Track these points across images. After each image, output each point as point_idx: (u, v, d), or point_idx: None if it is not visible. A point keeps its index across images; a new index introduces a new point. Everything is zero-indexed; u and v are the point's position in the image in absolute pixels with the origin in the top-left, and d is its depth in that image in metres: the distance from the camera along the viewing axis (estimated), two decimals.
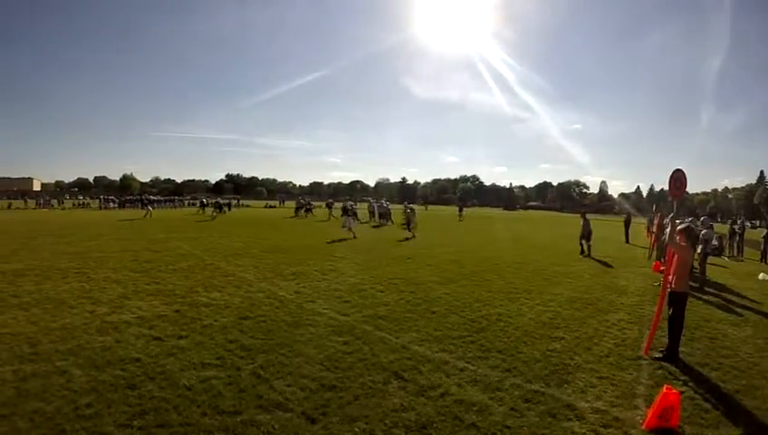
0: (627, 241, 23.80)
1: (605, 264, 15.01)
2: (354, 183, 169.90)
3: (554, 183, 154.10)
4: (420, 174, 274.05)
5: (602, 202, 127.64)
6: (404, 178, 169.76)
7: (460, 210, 45.35)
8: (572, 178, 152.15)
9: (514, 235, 27.73)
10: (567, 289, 10.13)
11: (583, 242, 17.11)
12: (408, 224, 21.50)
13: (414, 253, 14.99)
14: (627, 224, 25.14)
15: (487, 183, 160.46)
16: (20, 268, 10.51)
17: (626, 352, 6.05)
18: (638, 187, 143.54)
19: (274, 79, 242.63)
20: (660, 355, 5.89)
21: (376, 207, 33.20)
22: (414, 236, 20.50)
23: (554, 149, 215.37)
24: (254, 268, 11.44)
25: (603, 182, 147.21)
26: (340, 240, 18.46)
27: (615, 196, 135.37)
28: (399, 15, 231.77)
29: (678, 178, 6.15)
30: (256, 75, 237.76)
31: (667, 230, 9.25)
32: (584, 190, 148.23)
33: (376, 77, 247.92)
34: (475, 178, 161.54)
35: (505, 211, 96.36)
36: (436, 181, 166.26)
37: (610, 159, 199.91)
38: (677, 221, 6.49)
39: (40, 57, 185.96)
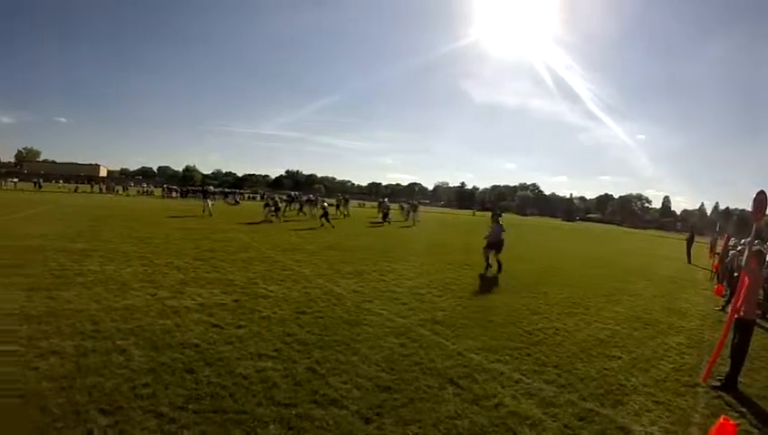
0: (689, 261, 25.37)
1: (666, 284, 15.51)
2: (412, 185, 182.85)
3: (615, 196, 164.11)
4: (478, 179, 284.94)
5: (665, 218, 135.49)
6: (462, 183, 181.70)
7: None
8: (634, 192, 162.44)
9: (573, 247, 30.11)
10: (626, 307, 10.73)
11: (489, 254, 14.18)
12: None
13: (472, 260, 15.80)
14: (689, 243, 27.03)
15: (547, 192, 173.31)
16: (85, 249, 12.24)
17: (683, 378, 6.33)
18: (702, 204, 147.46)
19: (335, 79, 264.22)
20: (719, 384, 6.12)
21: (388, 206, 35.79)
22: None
23: (616, 161, 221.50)
24: (312, 264, 12.61)
25: (666, 197, 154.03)
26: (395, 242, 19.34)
27: (678, 212, 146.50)
28: (460, 19, 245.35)
29: (761, 200, 6.46)
30: (317, 75, 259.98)
31: (732, 252, 10.58)
32: (646, 205, 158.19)
33: (435, 80, 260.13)
34: (534, 186, 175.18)
35: (564, 222, 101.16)
36: (494, 187, 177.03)
37: (674, 172, 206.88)
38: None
39: (111, 53, 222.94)
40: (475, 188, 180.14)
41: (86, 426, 3.89)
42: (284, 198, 37.37)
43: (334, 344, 6.29)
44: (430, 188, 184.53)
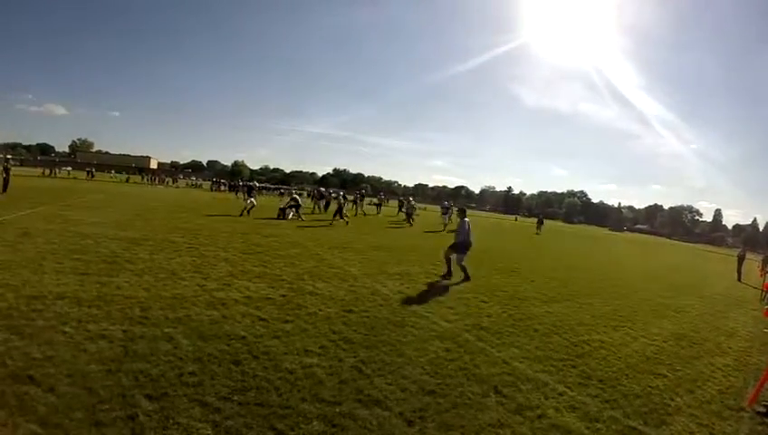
0: (739, 279, 25.16)
1: (714, 302, 15.19)
2: (459, 188, 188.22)
3: (665, 206, 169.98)
4: (526, 185, 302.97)
5: (715, 233, 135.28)
6: (509, 188, 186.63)
7: (540, 223, 47.56)
8: (685, 203, 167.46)
9: (620, 258, 30.42)
10: (673, 324, 10.72)
11: (452, 256, 12.56)
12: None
13: (518, 266, 16.37)
14: (740, 260, 26.82)
15: (595, 200, 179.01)
16: (136, 237, 12.94)
17: (729, 401, 6.29)
18: (755, 219, 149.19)
19: (384, 79, 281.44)
20: (765, 409, 6.08)
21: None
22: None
23: (667, 170, 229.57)
24: (359, 263, 12.98)
25: (718, 211, 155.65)
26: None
27: (729, 226, 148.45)
28: (511, 21, 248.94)
29: None
30: (367, 75, 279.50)
31: None
32: (696, 217, 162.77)
33: (485, 83, 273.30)
34: (582, 193, 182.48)
35: (612, 232, 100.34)
36: (542, 194, 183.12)
37: (727, 185, 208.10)
38: None
39: (165, 50, 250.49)
40: (522, 194, 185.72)
41: (132, 410, 4.10)
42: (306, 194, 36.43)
43: (380, 345, 6.45)
44: (477, 191, 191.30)
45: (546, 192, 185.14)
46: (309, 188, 37.95)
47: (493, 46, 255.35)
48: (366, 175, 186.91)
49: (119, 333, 5.80)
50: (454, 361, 6.18)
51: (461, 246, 12.34)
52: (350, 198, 34.88)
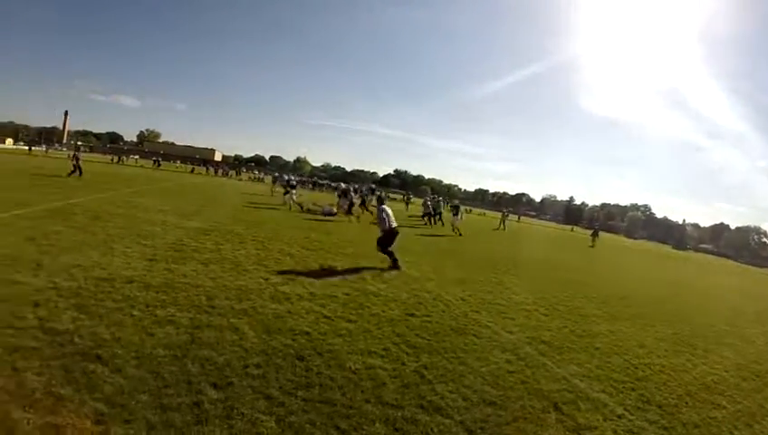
0: None
1: None
2: (519, 196, 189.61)
3: (732, 226, 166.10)
4: (588, 195, 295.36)
5: None
6: (571, 198, 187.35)
7: (595, 235, 46.63)
8: (752, 224, 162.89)
9: (684, 279, 29.10)
10: (735, 353, 10.29)
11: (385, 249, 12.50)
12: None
13: (578, 280, 16.13)
14: None
15: (658, 215, 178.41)
16: (202, 227, 13.66)
17: None
18: None
19: (446, 83, 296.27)
20: None
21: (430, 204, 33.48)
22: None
23: (735, 187, 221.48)
24: (421, 267, 13.07)
25: None
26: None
27: None
28: (576, 29, 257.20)
29: None
30: (426, 78, 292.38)
31: None
32: (764, 240, 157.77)
33: (548, 89, 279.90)
34: (646, 207, 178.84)
35: (674, 250, 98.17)
36: (604, 205, 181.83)
37: None
38: None
39: (232, 48, 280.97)
40: (584, 205, 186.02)
41: (197, 396, 4.27)
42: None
43: (442, 351, 6.51)
44: (538, 199, 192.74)
45: (609, 204, 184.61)
46: (334, 185, 37.53)
47: (556, 52, 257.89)
48: (426, 177, 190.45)
49: (185, 320, 6.07)
50: (515, 373, 6.20)
51: (387, 236, 12.44)
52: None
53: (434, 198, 37.95)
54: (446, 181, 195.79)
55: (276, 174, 33.13)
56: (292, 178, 32.20)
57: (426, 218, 31.41)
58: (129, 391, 4.20)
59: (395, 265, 12.06)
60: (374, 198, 28.77)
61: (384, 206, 12.87)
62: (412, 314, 8.05)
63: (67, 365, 4.53)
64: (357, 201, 27.39)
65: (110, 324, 5.61)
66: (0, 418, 3.60)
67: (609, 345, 8.52)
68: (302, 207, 25.19)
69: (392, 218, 12.56)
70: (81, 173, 26.11)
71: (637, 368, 7.55)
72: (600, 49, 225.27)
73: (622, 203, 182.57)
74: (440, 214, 32.22)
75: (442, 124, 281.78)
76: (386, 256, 12.37)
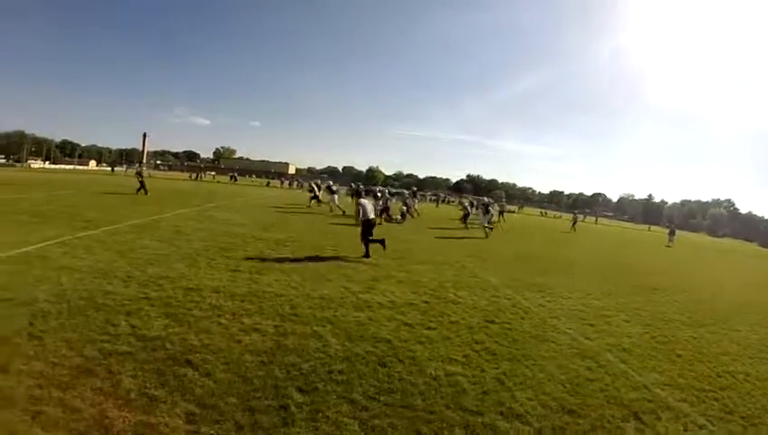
0: None
1: None
2: (596, 196, 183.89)
3: None
4: (667, 192, 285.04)
5: None
6: (649, 196, 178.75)
7: (671, 234, 44.97)
8: None
9: None
10: None
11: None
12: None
13: (658, 283, 15.42)
14: None
15: (743, 210, 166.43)
16: (280, 238, 14.23)
17: None
18: None
19: (512, 82, 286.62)
20: None
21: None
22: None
23: None
24: (500, 273, 13.06)
25: None
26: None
27: None
28: (644, 18, 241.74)
29: None
30: (493, 79, 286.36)
31: None
32: None
33: (619, 83, 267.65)
34: (729, 202, 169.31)
35: (762, 248, 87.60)
36: (684, 203, 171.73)
37: None
38: None
39: (299, 64, 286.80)
40: (662, 202, 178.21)
41: (283, 400, 4.46)
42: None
43: (522, 358, 6.49)
44: (615, 199, 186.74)
45: (689, 201, 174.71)
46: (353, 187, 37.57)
47: (627, 47, 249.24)
48: (500, 181, 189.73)
49: (270, 328, 6.37)
50: (594, 381, 6.10)
51: (366, 226, 13.40)
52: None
53: (481, 201, 37.56)
54: (520, 184, 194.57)
55: (318, 181, 33.44)
56: (333, 184, 32.76)
57: (463, 220, 30.70)
58: (218, 393, 4.46)
59: (367, 253, 13.01)
60: (416, 201, 29.30)
61: (362, 199, 14.41)
62: (491, 321, 8.06)
63: (160, 369, 4.87)
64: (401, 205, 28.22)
65: (198, 331, 5.97)
66: (97, 416, 3.91)
67: (692, 352, 8.24)
68: (344, 212, 25.85)
69: (368, 210, 13.59)
70: (146, 191, 27.60)
71: (720, 376, 7.27)
72: (673, 40, 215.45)
73: (704, 199, 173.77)
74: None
75: (516, 127, 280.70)
76: (370, 245, 13.29)
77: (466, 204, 33.50)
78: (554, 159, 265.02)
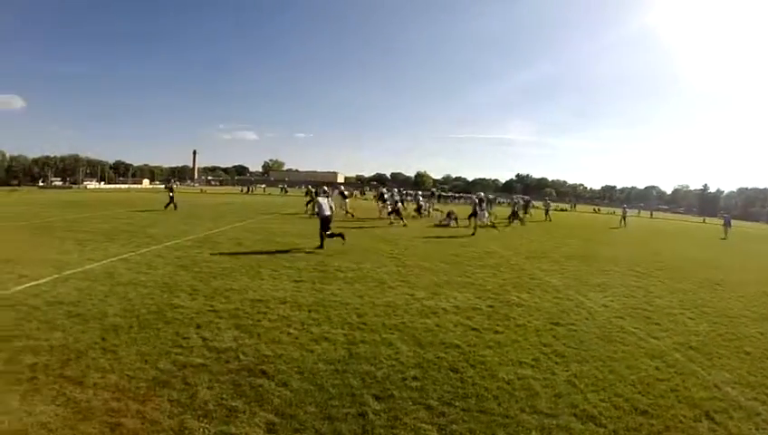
0: None
1: None
2: (649, 189, 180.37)
3: None
4: (724, 181, 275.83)
5: None
6: (705, 186, 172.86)
7: (726, 225, 41.87)
8: None
9: None
10: None
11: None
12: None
13: (722, 279, 14.98)
14: None
15: None
16: (338, 247, 14.44)
17: None
18: None
19: (555, 76, 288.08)
20: None
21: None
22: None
23: None
24: (559, 274, 12.93)
25: None
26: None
27: None
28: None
29: None
30: (532, 76, 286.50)
31: None
32: None
33: (674, 71, 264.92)
34: None
35: None
36: (741, 191, 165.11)
37: None
38: None
39: (343, 73, 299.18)
40: (719, 192, 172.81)
41: (361, 408, 4.53)
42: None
43: (591, 360, 6.44)
44: (669, 191, 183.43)
45: (746, 189, 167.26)
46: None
47: (674, 31, 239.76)
48: (550, 179, 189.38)
49: (340, 337, 6.49)
50: (664, 381, 6.02)
51: (323, 222, 15.06)
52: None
53: (516, 200, 37.25)
54: (570, 181, 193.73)
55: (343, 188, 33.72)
56: (345, 190, 33.24)
57: (510, 219, 31.23)
58: (296, 403, 4.55)
59: (321, 245, 14.66)
60: (434, 201, 29.49)
61: (319, 198, 15.90)
62: (557, 323, 8.02)
63: (235, 380, 5.01)
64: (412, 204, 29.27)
65: (269, 342, 6.13)
66: (177, 427, 4.06)
67: (761, 349, 8.00)
68: (352, 215, 27.01)
69: (325, 208, 15.14)
70: (175, 207, 28.54)
71: None
72: (719, 19, 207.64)
73: (761, 186, 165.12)
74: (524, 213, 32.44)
75: (565, 121, 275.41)
76: (320, 238, 14.91)
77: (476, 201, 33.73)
78: (605, 152, 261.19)
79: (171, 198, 28.94)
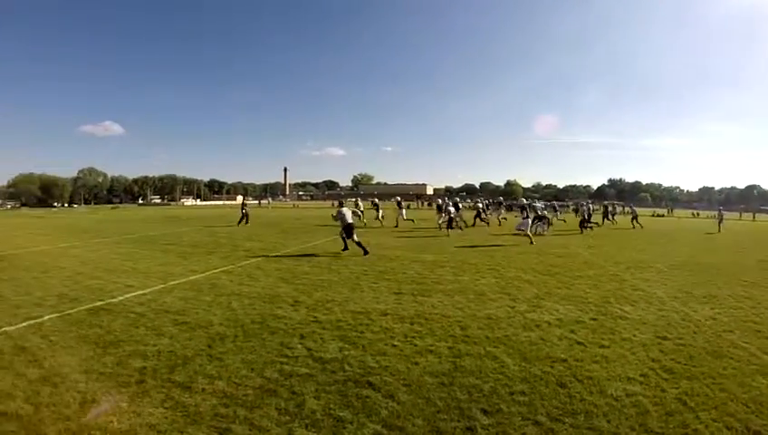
0: None
1: None
2: (749, 188, 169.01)
3: None
4: None
5: None
6: None
7: None
8: None
9: None
10: None
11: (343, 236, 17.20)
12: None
13: None
14: None
15: None
16: (437, 260, 14.63)
17: None
18: None
19: (638, 71, 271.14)
20: None
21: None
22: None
23: None
24: (662, 284, 12.22)
25: None
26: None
27: None
28: None
29: None
30: (619, 72, 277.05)
31: None
32: None
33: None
34: None
35: None
36: None
37: None
38: None
39: (425, 86, 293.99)
40: None
41: (469, 422, 4.50)
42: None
43: (700, 376, 6.11)
44: None
45: None
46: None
47: None
48: (644, 183, 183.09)
49: (444, 350, 6.49)
50: None
51: (346, 229, 16.77)
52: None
53: (581, 204, 36.22)
54: (665, 184, 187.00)
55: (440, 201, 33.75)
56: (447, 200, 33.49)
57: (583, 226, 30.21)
58: (404, 415, 4.59)
59: (345, 247, 16.73)
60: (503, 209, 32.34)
61: (342, 208, 17.29)
62: (664, 338, 7.65)
63: (341, 390, 5.14)
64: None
65: (374, 354, 6.23)
66: None
67: None
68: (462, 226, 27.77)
69: (347, 217, 16.92)
70: (247, 221, 30.69)
71: None
72: None
73: None
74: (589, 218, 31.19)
75: (657, 119, 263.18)
76: (342, 241, 16.87)
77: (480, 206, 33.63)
78: (702, 150, 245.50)
79: (244, 213, 31.00)
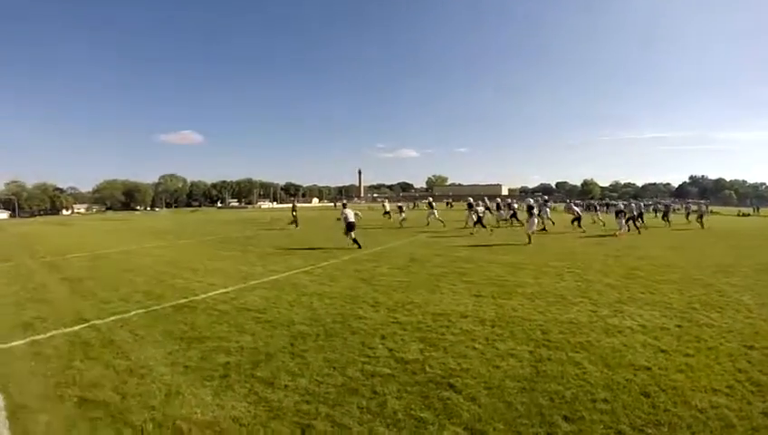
0: None
1: None
2: None
3: None
4: None
5: None
6: None
7: None
8: None
9: None
10: None
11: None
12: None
13: None
14: None
15: None
16: (516, 261, 14.57)
17: None
18: None
19: (720, 58, 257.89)
20: None
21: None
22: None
23: None
24: (749, 290, 11.46)
25: None
26: None
27: None
28: None
29: None
30: (702, 60, 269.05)
31: None
32: None
33: None
34: None
35: None
36: None
37: None
38: None
39: (497, 87, 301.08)
40: None
41: (550, 428, 4.55)
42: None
43: None
44: None
45: None
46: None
47: None
48: (728, 180, 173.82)
49: (526, 354, 6.51)
50: None
51: (348, 226, 18.85)
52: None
53: (628, 204, 34.66)
54: (750, 181, 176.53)
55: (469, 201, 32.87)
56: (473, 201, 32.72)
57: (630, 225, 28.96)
58: (485, 418, 4.69)
59: (357, 244, 18.51)
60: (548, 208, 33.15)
61: (345, 210, 19.45)
62: (751, 347, 7.27)
63: (423, 392, 5.28)
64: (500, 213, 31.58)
65: (455, 356, 6.35)
66: (367, 433, 4.42)
67: None
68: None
69: (350, 216, 19.02)
70: (297, 224, 31.81)
71: None
72: None
73: None
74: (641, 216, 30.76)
75: (740, 110, 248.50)
76: (348, 238, 18.87)
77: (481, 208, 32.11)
78: None
79: (294, 216, 32.19)
